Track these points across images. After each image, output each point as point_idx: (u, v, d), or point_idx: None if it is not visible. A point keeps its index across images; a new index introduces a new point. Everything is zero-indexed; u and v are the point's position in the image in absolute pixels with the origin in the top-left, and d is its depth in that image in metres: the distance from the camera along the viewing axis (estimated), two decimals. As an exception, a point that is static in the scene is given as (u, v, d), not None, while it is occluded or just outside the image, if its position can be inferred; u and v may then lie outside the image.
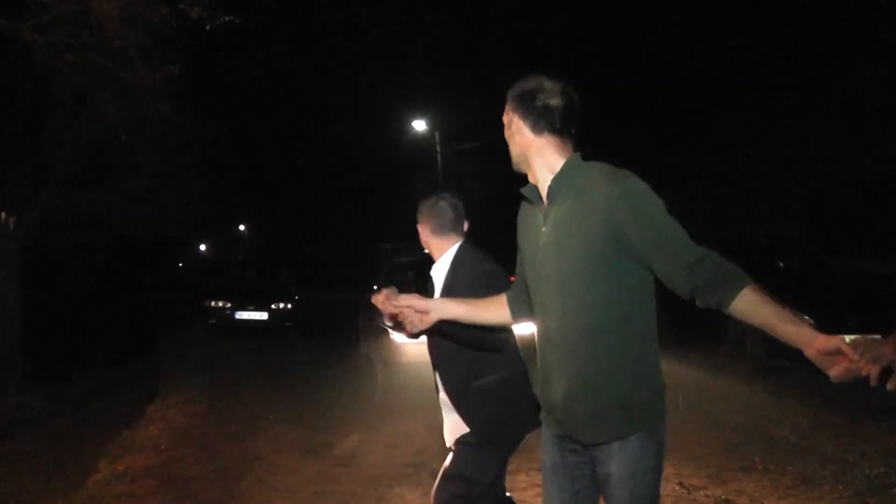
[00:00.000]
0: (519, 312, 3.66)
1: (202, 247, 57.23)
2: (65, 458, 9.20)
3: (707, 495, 6.72)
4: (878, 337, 2.71)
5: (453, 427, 4.44)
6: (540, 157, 3.28)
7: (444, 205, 4.53)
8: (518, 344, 4.41)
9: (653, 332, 3.24)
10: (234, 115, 29.42)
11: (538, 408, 3.57)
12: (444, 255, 4.49)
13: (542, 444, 3.48)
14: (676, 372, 11.62)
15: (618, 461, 3.16)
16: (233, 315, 21.60)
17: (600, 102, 23.61)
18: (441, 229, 4.51)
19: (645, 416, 3.19)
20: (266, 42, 28.60)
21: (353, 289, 26.52)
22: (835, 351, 2.71)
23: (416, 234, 4.62)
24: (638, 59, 26.87)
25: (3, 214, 11.59)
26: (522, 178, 3.38)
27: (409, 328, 3.36)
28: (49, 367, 13.98)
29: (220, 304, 21.73)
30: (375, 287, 3.47)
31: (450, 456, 4.49)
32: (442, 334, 3.92)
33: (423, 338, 4.29)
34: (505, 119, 3.38)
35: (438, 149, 30.23)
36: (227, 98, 28.10)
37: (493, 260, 4.47)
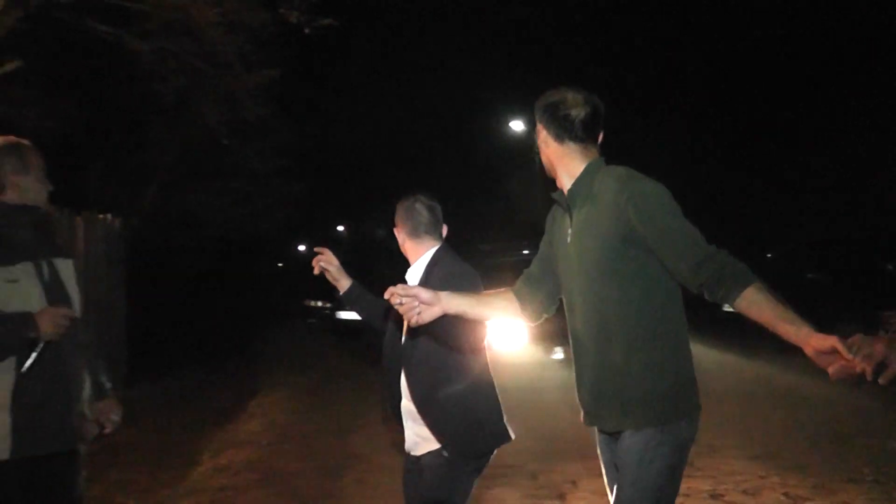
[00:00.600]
0: (534, 314, 3.72)
1: (301, 247, 57.73)
2: (169, 450, 9.37)
3: (813, 506, 6.58)
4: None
5: (417, 440, 4.21)
6: (563, 164, 3.49)
7: (420, 207, 4.39)
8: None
9: (677, 327, 3.35)
10: (331, 117, 29.69)
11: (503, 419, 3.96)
12: (420, 259, 4.30)
13: (596, 441, 3.60)
14: (778, 378, 11.38)
15: (626, 450, 3.29)
16: (333, 315, 21.32)
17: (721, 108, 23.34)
18: (416, 232, 4.35)
19: (664, 409, 3.27)
20: (363, 44, 28.76)
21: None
22: (831, 350, 2.79)
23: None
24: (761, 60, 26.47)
25: (109, 216, 11.86)
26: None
27: (410, 320, 3.31)
28: (153, 364, 14.26)
29: (321, 303, 21.75)
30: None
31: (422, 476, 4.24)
32: (429, 331, 3.81)
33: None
34: (536, 130, 3.58)
35: (536, 149, 30.02)
36: (325, 100, 28.33)
37: (466, 263, 4.33)
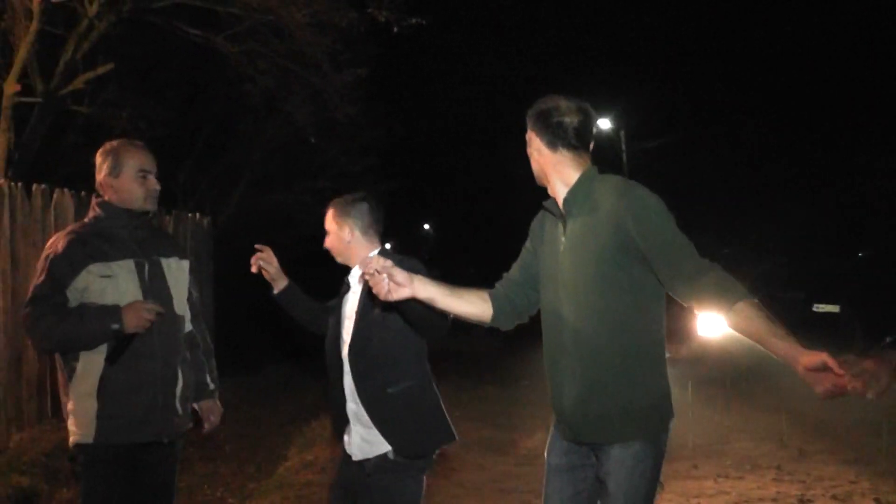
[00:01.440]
0: (503, 318, 3.66)
1: (387, 245, 58.11)
2: (255, 445, 9.46)
3: (906, 512, 6.42)
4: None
5: (363, 444, 4.08)
6: (556, 172, 3.46)
7: (374, 205, 4.39)
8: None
9: (662, 342, 3.39)
10: (419, 115, 29.79)
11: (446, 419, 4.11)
12: (365, 259, 3.80)
13: (548, 445, 3.58)
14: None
15: (616, 462, 3.29)
16: None
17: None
18: (368, 231, 4.31)
19: (648, 422, 3.32)
20: (451, 42, 28.79)
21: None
22: (821, 367, 2.82)
23: None
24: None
25: (198, 215, 12.04)
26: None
27: (379, 294, 3.28)
28: (240, 359, 14.41)
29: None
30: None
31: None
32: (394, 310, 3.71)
33: None
34: (527, 138, 3.54)
35: (624, 147, 29.77)
36: (415, 99, 28.46)
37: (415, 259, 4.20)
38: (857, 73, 25.52)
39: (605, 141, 30.17)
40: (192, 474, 7.59)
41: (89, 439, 3.82)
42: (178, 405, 4.07)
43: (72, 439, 3.89)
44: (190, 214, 11.85)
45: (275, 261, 4.37)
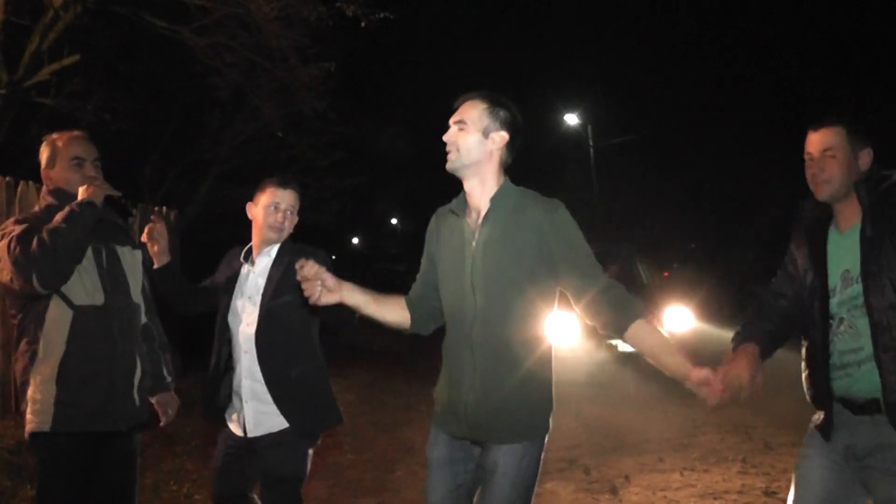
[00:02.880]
0: (420, 323, 3.84)
1: (355, 240, 57.98)
2: (221, 440, 9.46)
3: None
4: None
5: (258, 420, 4.32)
6: (483, 175, 3.54)
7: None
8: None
9: (550, 347, 3.54)
10: (387, 110, 29.76)
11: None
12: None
13: (430, 439, 3.70)
14: None
15: (504, 453, 3.41)
16: None
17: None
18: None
19: (541, 423, 3.50)
20: (420, 37, 28.79)
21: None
22: (706, 381, 3.25)
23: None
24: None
25: (164, 209, 11.96)
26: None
27: (310, 298, 3.48)
28: (206, 355, 14.31)
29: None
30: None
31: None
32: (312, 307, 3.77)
33: None
34: (465, 117, 3.55)
35: (591, 143, 29.83)
36: (381, 94, 28.42)
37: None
38: (822, 69, 25.74)
39: (572, 135, 30.27)
40: (158, 470, 7.55)
41: (46, 427, 3.81)
42: (136, 395, 4.08)
43: (28, 427, 3.87)
44: (156, 208, 11.78)
45: (167, 236, 4.49)
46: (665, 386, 9.55)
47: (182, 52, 13.44)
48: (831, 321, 3.45)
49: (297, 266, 3.44)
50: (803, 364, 3.63)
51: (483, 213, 3.51)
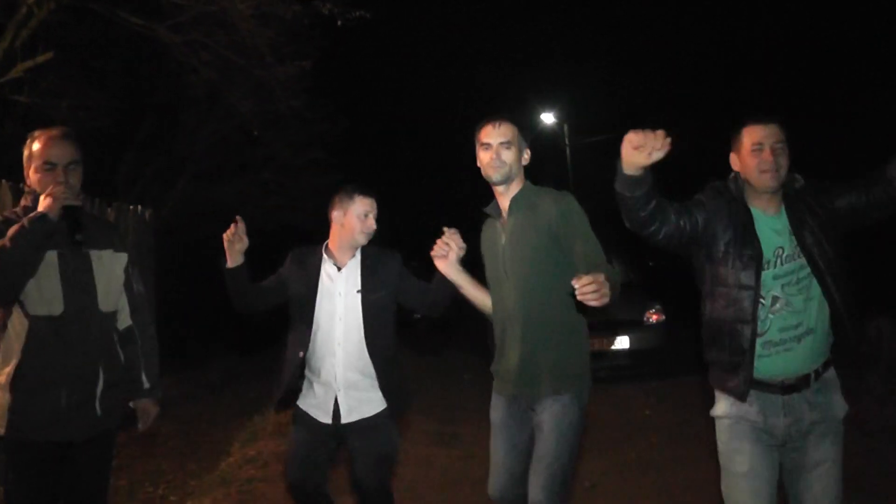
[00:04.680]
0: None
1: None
2: (198, 441, 9.39)
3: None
4: None
5: (353, 405, 4.68)
6: (515, 183, 4.39)
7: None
8: None
9: (579, 313, 4.17)
10: (363, 109, 29.65)
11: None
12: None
13: (492, 404, 4.44)
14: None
15: (549, 411, 4.11)
16: None
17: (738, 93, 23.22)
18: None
19: (576, 380, 4.20)
20: (397, 36, 28.73)
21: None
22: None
23: None
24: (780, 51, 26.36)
25: (140, 207, 11.88)
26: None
27: (438, 258, 4.50)
28: (182, 354, 14.26)
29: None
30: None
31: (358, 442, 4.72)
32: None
33: None
34: (510, 138, 4.34)
35: (567, 142, 29.88)
36: (358, 93, 28.33)
37: None
38: (793, 74, 25.87)
39: (549, 134, 30.28)
40: (133, 471, 7.53)
41: (2, 431, 3.81)
42: (97, 405, 4.03)
43: None
44: (131, 206, 11.70)
45: (245, 239, 4.65)
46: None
47: (157, 49, 13.39)
48: (762, 300, 3.73)
49: (447, 230, 4.46)
50: (712, 338, 3.92)
51: (507, 210, 4.36)
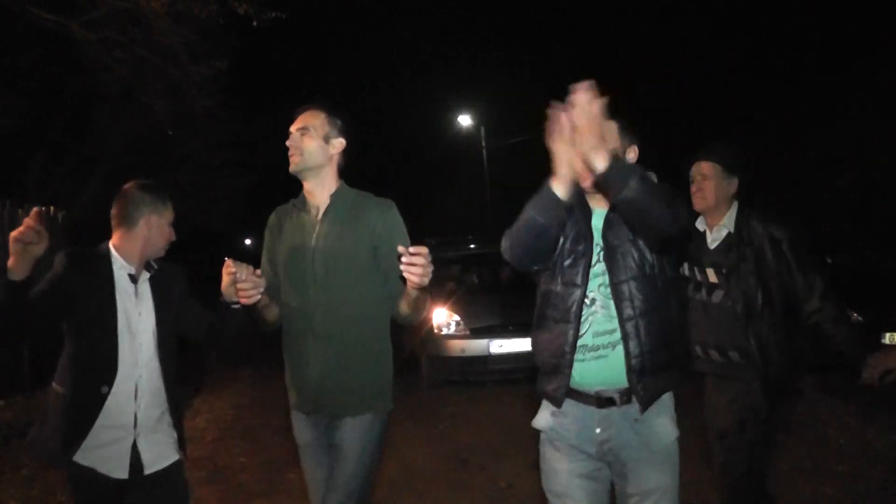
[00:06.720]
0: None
1: (247, 241, 57.38)
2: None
3: None
4: None
5: (160, 452, 3.88)
6: (325, 175, 3.96)
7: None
8: None
9: (388, 333, 3.98)
10: (279, 111, 29.57)
11: None
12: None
13: (294, 426, 4.14)
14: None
15: (350, 431, 3.83)
16: None
17: (646, 93, 23.53)
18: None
19: (378, 399, 3.92)
20: (313, 37, 28.65)
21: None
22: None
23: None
24: (684, 46, 26.76)
25: (52, 208, 11.67)
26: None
27: (242, 298, 3.68)
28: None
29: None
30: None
31: None
32: None
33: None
34: (308, 124, 3.95)
35: (484, 144, 30.04)
36: (273, 95, 28.18)
37: None
38: (739, 74, 26.26)
39: (465, 136, 30.44)
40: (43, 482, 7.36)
41: None
42: None
43: None
44: (43, 208, 11.49)
45: (47, 235, 3.40)
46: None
47: (70, 46, 13.16)
48: (586, 300, 3.35)
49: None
50: (543, 336, 3.53)
51: (322, 209, 3.93)
